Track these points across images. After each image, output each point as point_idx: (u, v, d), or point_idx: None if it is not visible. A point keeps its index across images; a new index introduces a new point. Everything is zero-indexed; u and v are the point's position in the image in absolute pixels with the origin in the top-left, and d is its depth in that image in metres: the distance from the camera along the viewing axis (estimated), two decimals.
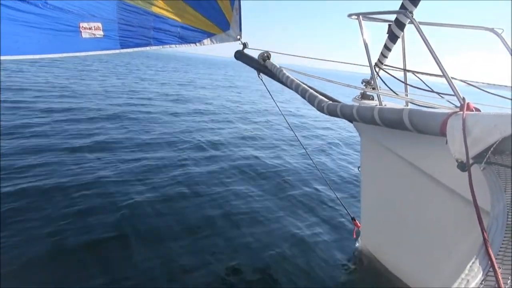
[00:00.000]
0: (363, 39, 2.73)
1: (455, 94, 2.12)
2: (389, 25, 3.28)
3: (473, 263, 1.00)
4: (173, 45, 3.25)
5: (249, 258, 3.50)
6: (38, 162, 5.24)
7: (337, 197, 4.67)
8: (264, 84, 4.12)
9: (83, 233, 3.52)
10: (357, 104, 2.73)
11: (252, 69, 3.86)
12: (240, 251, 3.59)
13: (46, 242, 3.32)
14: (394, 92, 3.23)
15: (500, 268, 0.98)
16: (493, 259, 0.99)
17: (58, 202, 4.05)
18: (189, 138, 7.84)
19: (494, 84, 3.25)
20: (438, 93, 2.97)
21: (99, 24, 2.75)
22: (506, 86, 3.11)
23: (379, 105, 2.66)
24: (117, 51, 2.87)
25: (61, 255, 3.18)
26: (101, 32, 2.75)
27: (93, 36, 2.73)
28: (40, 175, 4.78)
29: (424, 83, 3.18)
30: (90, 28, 2.72)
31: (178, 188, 4.93)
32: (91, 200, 4.22)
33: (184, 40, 3.28)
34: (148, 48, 3.05)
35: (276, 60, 3.75)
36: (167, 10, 3.18)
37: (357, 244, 3.94)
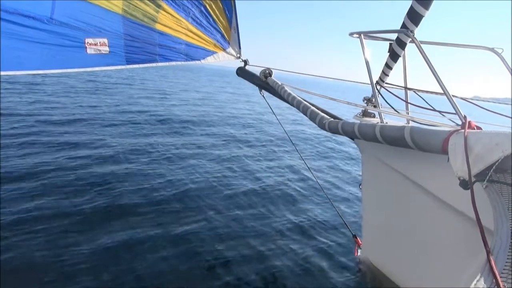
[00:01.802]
0: (365, 57, 2.77)
1: (457, 112, 2.14)
2: (390, 44, 3.32)
3: (477, 281, 1.00)
4: (179, 62, 3.29)
5: (245, 273, 3.48)
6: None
7: (339, 214, 4.66)
8: (266, 101, 4.15)
9: None
10: (359, 121, 2.75)
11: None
12: (238, 265, 3.58)
13: None
14: (395, 110, 3.26)
15: (505, 287, 0.98)
16: (498, 277, 0.98)
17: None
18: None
19: (494, 102, 3.28)
20: (439, 111, 2.99)
21: (105, 40, 2.78)
22: (506, 104, 3.13)
23: (381, 122, 2.67)
24: (123, 67, 2.90)
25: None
26: (106, 48, 2.79)
27: (98, 52, 2.76)
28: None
29: (425, 101, 3.21)
30: (95, 44, 2.76)
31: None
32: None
33: (189, 57, 3.33)
34: (154, 64, 3.09)
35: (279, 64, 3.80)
36: (171, 28, 3.23)
37: (357, 260, 3.91)
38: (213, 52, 3.57)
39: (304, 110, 3.18)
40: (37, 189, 4.79)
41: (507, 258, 1.10)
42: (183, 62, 3.28)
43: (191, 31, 3.37)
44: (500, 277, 1.00)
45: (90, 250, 3.52)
